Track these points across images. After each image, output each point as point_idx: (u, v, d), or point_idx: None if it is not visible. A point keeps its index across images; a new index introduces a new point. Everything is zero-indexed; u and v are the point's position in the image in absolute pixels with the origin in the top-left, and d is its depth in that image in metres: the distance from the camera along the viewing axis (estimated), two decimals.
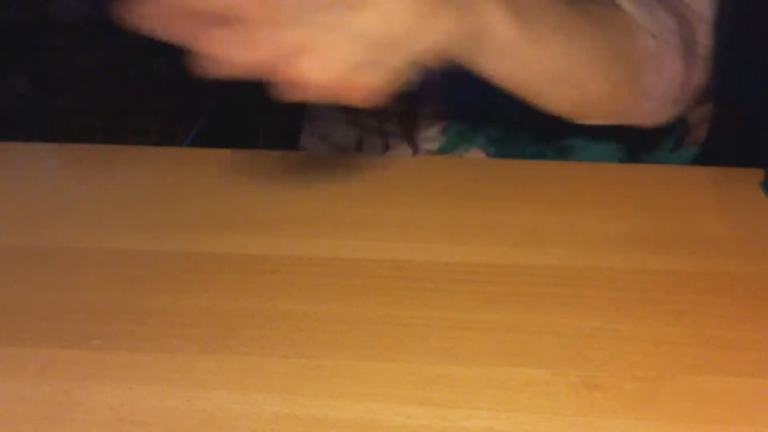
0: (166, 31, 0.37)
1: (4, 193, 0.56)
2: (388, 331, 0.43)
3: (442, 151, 0.66)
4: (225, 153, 0.61)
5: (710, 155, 0.67)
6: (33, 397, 0.39)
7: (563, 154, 0.65)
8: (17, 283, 0.47)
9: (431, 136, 0.66)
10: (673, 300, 0.45)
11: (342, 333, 0.43)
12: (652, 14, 0.52)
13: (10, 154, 0.61)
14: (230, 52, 0.37)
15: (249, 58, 0.38)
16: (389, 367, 0.40)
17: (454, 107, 0.64)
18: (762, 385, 0.39)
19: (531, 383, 0.39)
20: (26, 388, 0.39)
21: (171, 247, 0.50)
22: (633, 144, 0.65)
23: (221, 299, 0.45)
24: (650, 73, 0.52)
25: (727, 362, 0.40)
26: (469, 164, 0.62)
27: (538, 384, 0.39)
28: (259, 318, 0.44)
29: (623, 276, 0.46)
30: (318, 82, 0.38)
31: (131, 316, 0.44)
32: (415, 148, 0.67)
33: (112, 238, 0.50)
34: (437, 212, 0.53)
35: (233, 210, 0.53)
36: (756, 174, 0.56)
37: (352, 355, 0.41)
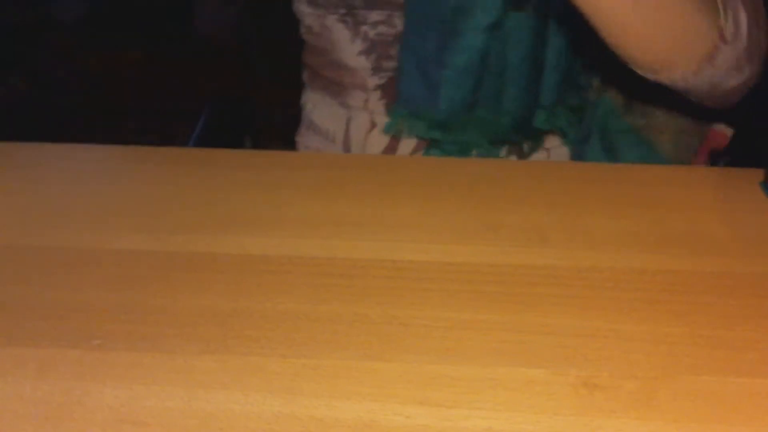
0: None
1: (4, 193, 0.56)
2: (388, 331, 0.43)
3: (386, 131, 0.70)
4: (225, 153, 0.61)
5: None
6: (33, 397, 0.39)
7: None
8: (17, 283, 0.47)
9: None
10: (673, 300, 0.45)
11: (342, 333, 0.43)
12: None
13: (10, 154, 0.61)
14: None
15: None
16: (389, 367, 0.40)
17: (399, 91, 0.68)
18: (762, 385, 0.39)
19: (531, 383, 0.39)
20: (26, 388, 0.39)
21: (171, 247, 0.50)
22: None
23: (221, 299, 0.45)
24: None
25: (727, 362, 0.40)
26: (469, 164, 0.62)
27: (538, 384, 0.39)
28: (259, 318, 0.44)
29: (623, 276, 0.46)
30: None
31: (131, 316, 0.44)
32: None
33: (112, 238, 0.50)
34: (437, 212, 0.53)
35: (233, 210, 0.53)
36: (756, 174, 0.56)
37: (352, 355, 0.41)
